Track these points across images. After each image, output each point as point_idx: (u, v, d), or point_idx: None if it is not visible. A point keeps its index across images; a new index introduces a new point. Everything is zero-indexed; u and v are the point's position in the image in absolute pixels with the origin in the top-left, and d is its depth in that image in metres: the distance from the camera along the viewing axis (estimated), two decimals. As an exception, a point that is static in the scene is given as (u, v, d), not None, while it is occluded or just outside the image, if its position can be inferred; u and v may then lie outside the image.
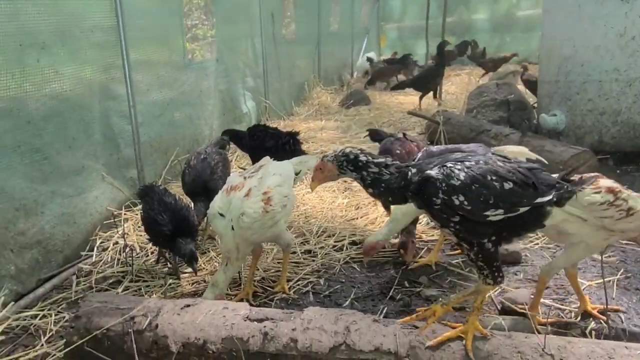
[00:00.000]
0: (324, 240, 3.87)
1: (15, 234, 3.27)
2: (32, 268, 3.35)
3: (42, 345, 2.77)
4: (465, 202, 2.01)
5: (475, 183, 2.03)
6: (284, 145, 4.76)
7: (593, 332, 2.59)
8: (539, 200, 2.09)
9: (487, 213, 2.03)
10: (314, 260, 3.57)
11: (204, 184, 3.76)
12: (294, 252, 3.64)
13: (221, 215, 2.92)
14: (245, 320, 2.33)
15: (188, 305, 2.45)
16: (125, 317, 2.43)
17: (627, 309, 2.83)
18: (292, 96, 8.67)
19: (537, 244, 3.69)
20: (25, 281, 3.30)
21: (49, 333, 2.88)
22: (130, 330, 2.39)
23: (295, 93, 8.93)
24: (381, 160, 2.19)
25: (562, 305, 2.89)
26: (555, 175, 2.25)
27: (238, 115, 6.58)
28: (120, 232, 3.96)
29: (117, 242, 3.94)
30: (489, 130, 5.59)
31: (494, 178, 2.05)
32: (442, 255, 3.58)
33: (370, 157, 2.19)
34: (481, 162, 2.10)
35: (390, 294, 3.10)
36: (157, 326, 2.37)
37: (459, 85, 10.27)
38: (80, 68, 3.91)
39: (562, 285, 3.09)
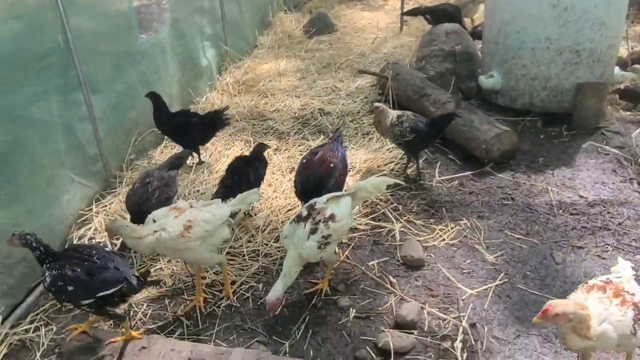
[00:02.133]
0: (269, 234, 4.55)
1: (2, 258, 3.92)
2: (21, 281, 4.04)
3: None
4: None
5: None
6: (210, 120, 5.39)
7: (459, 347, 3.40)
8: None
9: None
10: (257, 261, 4.29)
11: (139, 207, 4.16)
12: (241, 253, 4.34)
13: (154, 221, 3.58)
14: (187, 363, 3.10)
15: (144, 347, 3.20)
16: (97, 356, 3.19)
17: (492, 319, 3.62)
18: (254, 26, 8.77)
19: (442, 242, 4.38)
20: (17, 294, 4.01)
21: (42, 347, 3.66)
22: (101, 367, 3.17)
23: (258, 21, 9.00)
24: None
25: (444, 314, 3.67)
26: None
27: (198, 71, 6.87)
28: (92, 229, 4.63)
29: (91, 238, 4.61)
30: (430, 95, 6.00)
31: None
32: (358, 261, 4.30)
33: None
34: None
35: (313, 301, 3.87)
36: (120, 365, 3.15)
37: None
38: (34, 84, 4.26)
39: (449, 293, 3.86)
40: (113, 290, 3.10)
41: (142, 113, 5.67)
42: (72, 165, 4.70)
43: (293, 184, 4.38)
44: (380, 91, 6.76)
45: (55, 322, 3.82)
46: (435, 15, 7.88)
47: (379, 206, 4.80)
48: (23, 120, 4.11)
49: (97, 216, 4.74)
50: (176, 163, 4.66)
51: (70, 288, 3.10)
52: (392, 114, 5.13)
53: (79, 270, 3.12)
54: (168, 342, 3.26)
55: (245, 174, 4.55)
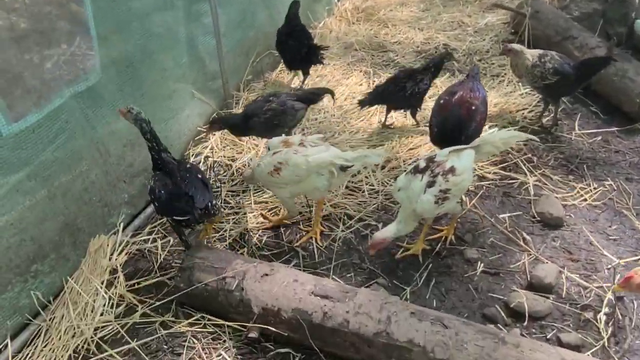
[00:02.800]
0: (389, 171, 4.28)
1: (126, 167, 3.91)
2: (141, 192, 4.04)
3: (156, 272, 3.57)
4: None
5: None
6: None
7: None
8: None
9: None
10: (376, 198, 4.04)
11: (244, 119, 4.18)
12: (360, 189, 4.11)
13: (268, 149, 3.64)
14: (310, 295, 2.95)
15: (266, 274, 3.08)
16: (219, 277, 3.12)
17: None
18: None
19: (583, 202, 3.93)
20: (137, 204, 4.03)
21: (159, 259, 3.66)
22: (222, 288, 3.09)
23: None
24: None
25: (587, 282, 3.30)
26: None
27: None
28: (209, 147, 4.56)
29: (207, 157, 4.54)
30: (576, 37, 5.34)
31: None
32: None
33: None
34: None
35: (437, 249, 3.60)
36: (242, 289, 3.05)
37: None
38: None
39: (592, 260, 3.46)
40: (182, 218, 3.21)
41: (261, 32, 5.44)
42: (194, 80, 4.59)
43: (428, 127, 4.02)
44: (514, 30, 6.13)
45: (172, 235, 3.80)
46: None
47: (510, 155, 4.38)
48: (150, 29, 3.97)
49: (214, 135, 4.64)
50: (309, 98, 4.38)
51: (156, 204, 3.28)
52: (532, 53, 4.59)
53: (163, 191, 3.22)
54: (291, 272, 3.12)
55: (401, 86, 4.46)
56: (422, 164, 3.28)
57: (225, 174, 4.41)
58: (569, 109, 5.01)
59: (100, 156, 3.63)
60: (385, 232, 3.27)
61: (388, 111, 4.71)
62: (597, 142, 4.57)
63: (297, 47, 5.11)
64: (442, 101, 3.88)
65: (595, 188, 4.03)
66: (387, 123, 4.78)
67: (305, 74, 5.27)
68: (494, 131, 4.10)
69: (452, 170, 3.20)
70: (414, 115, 4.73)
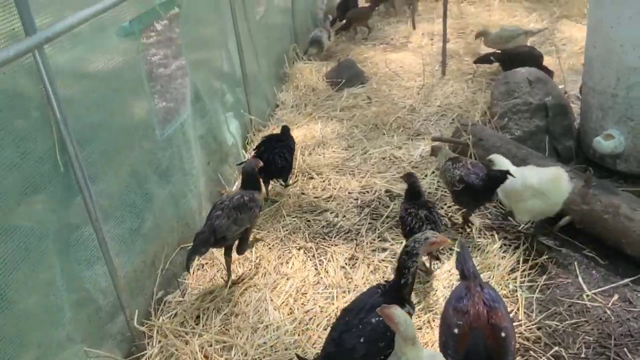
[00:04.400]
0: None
1: None
2: None
3: None
4: None
5: None
6: None
7: None
8: None
9: None
10: None
11: None
12: None
13: None
14: None
15: None
16: None
17: None
18: (272, 82, 7.34)
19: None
20: None
21: None
22: None
23: (275, 75, 7.58)
24: None
25: None
26: None
27: (224, 153, 5.37)
28: None
29: None
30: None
31: None
32: None
33: None
34: None
35: None
36: None
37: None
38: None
39: None
40: None
41: (164, 221, 4.16)
42: (83, 336, 3.16)
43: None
44: (457, 160, 5.36)
45: None
46: (514, 60, 6.53)
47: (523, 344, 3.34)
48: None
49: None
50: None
51: None
52: (448, 155, 4.60)
53: None
54: None
55: None
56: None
57: None
58: (561, 257, 4.16)
59: None
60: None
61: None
62: (617, 304, 3.68)
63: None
64: (455, 330, 2.74)
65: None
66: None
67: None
68: None
69: None
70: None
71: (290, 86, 7.67)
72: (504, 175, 4.07)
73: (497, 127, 5.53)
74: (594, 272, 4.01)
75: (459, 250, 3.22)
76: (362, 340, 2.75)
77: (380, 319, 2.60)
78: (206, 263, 4.45)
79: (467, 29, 9.47)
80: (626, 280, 3.86)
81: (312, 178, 5.46)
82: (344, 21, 9.56)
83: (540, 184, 3.96)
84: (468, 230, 4.53)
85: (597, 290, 3.81)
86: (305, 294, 4.02)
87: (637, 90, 4.54)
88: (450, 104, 6.70)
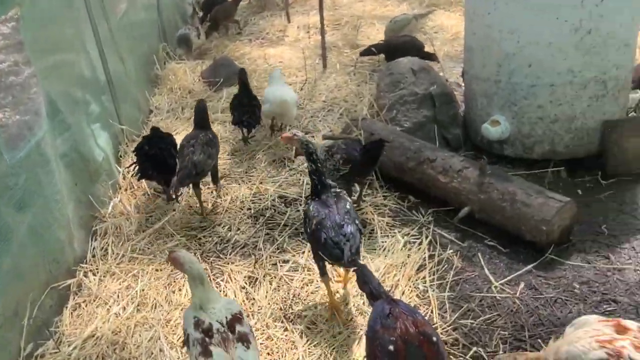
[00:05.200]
0: None
1: None
2: None
3: None
4: None
5: None
6: None
7: None
8: None
9: None
10: None
11: None
12: None
13: None
14: None
15: None
16: None
17: None
18: (143, 86, 6.69)
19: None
20: None
21: None
22: None
23: (145, 78, 6.93)
24: None
25: None
26: None
27: (94, 171, 4.71)
28: None
29: None
30: (433, 160, 4.52)
31: None
32: None
33: None
34: None
35: None
36: None
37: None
38: None
39: None
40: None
41: (25, 260, 3.50)
42: None
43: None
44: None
45: None
46: (397, 50, 6.45)
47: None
48: None
49: None
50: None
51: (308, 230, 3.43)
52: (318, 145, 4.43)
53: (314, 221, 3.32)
54: None
55: None
56: None
57: None
58: (465, 249, 4.10)
59: None
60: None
61: None
62: (525, 293, 3.66)
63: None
64: (391, 347, 2.48)
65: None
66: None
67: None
68: None
69: None
70: None
71: (164, 89, 7.06)
72: (381, 143, 4.28)
73: (386, 120, 5.40)
74: (497, 261, 3.99)
75: (359, 272, 2.98)
76: None
77: None
78: (83, 301, 3.84)
79: (342, 20, 9.36)
80: (529, 267, 3.86)
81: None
82: (210, 21, 8.99)
83: None
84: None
85: (503, 281, 3.77)
86: (204, 324, 3.58)
87: (518, 75, 4.60)
88: (336, 98, 6.50)
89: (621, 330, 2.45)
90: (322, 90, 6.78)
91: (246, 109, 5.43)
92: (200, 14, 9.36)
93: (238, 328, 2.65)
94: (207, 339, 2.56)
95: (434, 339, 2.51)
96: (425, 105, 5.35)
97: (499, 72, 4.70)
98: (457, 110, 5.49)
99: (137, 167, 4.60)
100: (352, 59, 7.57)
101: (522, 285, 3.73)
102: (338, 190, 3.56)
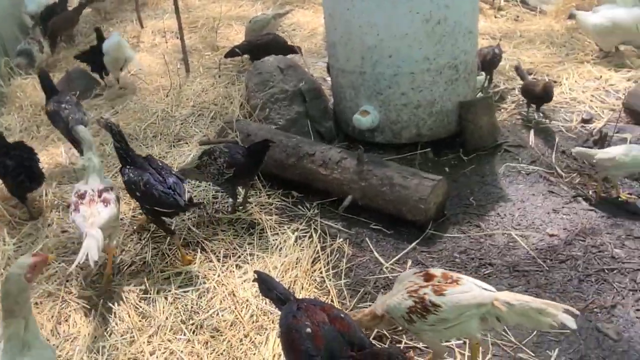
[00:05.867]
0: None
1: None
2: None
3: None
4: None
5: None
6: None
7: None
8: None
9: None
10: None
11: None
12: None
13: None
14: None
15: None
16: None
17: None
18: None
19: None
20: None
21: None
22: None
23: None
24: None
25: None
26: None
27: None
28: None
29: None
30: (312, 154, 4.65)
31: None
32: None
33: None
34: None
35: None
36: None
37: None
38: None
39: None
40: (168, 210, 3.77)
41: None
42: None
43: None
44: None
45: None
46: (260, 50, 6.46)
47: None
48: None
49: None
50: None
51: (138, 194, 3.82)
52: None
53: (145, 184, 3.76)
54: None
55: None
56: None
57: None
58: (353, 236, 4.28)
59: None
60: None
61: None
62: (411, 268, 3.92)
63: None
64: (308, 330, 2.53)
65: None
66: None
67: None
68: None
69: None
70: None
71: (12, 108, 6.48)
72: (265, 144, 4.34)
73: (260, 119, 5.44)
74: (385, 243, 4.21)
75: (259, 280, 3.02)
76: None
77: None
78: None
79: (198, 22, 9.19)
80: (414, 244, 4.13)
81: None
82: (49, 32, 8.26)
83: None
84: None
85: (392, 261, 4.00)
86: (104, 347, 3.38)
87: (381, 66, 4.86)
88: (204, 102, 6.38)
89: (428, 278, 2.85)
90: (189, 95, 6.62)
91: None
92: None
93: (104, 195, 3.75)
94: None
95: (342, 315, 2.64)
96: (296, 101, 5.47)
97: (363, 64, 4.93)
98: (327, 103, 5.67)
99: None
100: (215, 61, 7.49)
101: (409, 262, 3.97)
102: (143, 155, 4.10)
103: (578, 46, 7.00)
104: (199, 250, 4.14)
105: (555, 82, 6.08)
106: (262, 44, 6.65)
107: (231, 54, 7.00)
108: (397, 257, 4.03)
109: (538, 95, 5.21)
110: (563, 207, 4.36)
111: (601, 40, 6.54)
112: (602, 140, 4.90)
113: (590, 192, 4.50)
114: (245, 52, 6.85)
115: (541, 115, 5.43)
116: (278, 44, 6.61)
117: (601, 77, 6.08)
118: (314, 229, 4.30)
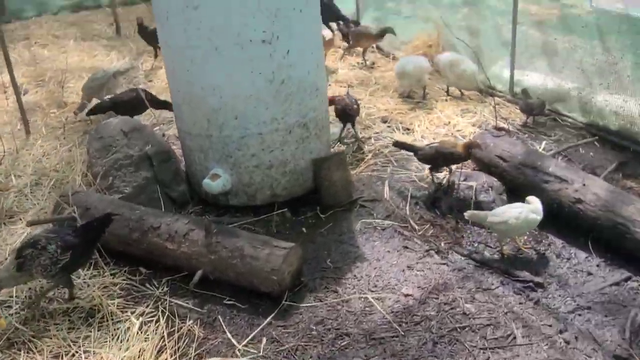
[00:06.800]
0: None
1: None
2: None
3: None
4: None
5: None
6: None
7: None
8: None
9: None
10: None
11: None
12: None
13: None
14: None
15: None
16: None
17: None
18: None
19: None
20: None
21: None
22: None
23: None
24: None
25: None
26: None
27: None
28: None
29: None
30: (157, 227, 4.30)
31: None
32: None
33: None
34: None
35: None
36: None
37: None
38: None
39: None
40: None
41: None
42: None
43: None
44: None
45: None
46: (124, 107, 6.07)
47: None
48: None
49: None
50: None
51: None
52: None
53: None
54: None
55: None
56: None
57: None
58: (205, 315, 3.97)
59: None
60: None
61: None
62: (267, 348, 3.67)
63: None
64: None
65: None
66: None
67: None
68: None
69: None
70: None
71: None
72: (107, 218, 4.04)
73: (103, 189, 5.00)
74: (239, 319, 3.94)
75: None
76: None
77: None
78: None
79: (45, 75, 8.50)
80: (269, 319, 3.90)
81: None
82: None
83: None
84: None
85: (246, 341, 3.72)
86: None
87: (228, 128, 4.65)
88: (45, 168, 5.79)
89: None
90: (27, 161, 5.99)
91: None
92: None
93: None
94: None
95: None
96: (143, 166, 5.09)
97: (209, 127, 4.70)
98: (178, 165, 5.35)
99: None
100: (61, 121, 6.90)
101: (264, 341, 3.73)
102: None
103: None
104: (22, 353, 3.61)
105: (408, 129, 6.24)
106: (126, 101, 6.19)
107: (92, 112, 6.45)
108: (251, 336, 3.77)
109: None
110: (417, 263, 4.36)
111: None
112: (451, 189, 5.04)
113: (442, 244, 4.56)
114: (107, 109, 6.32)
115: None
116: (142, 101, 6.14)
117: (449, 122, 6.32)
118: (162, 311, 3.95)
